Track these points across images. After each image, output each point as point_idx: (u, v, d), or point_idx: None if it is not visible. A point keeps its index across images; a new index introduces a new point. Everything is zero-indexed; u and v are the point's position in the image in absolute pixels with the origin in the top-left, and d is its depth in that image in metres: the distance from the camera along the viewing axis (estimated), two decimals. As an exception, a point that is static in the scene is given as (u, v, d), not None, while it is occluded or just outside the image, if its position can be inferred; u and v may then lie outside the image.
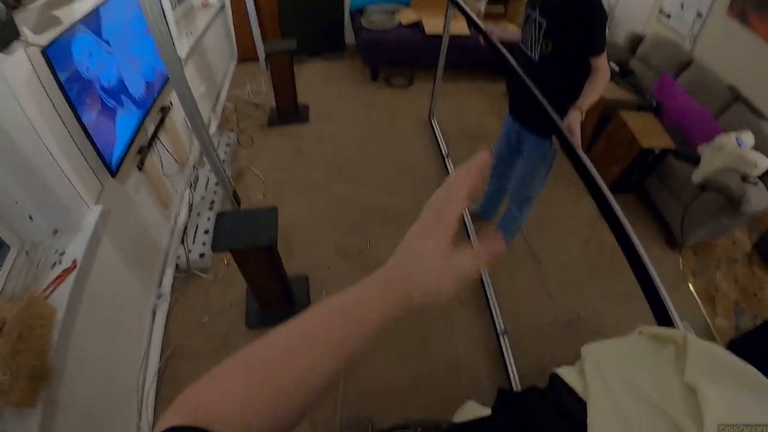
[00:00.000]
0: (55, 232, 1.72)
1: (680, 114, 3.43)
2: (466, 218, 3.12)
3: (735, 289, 3.15)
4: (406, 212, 3.17)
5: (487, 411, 0.67)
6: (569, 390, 0.53)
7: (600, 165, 3.43)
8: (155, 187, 2.56)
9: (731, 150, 2.89)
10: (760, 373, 0.45)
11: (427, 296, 0.50)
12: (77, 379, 1.56)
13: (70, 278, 1.56)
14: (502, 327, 2.53)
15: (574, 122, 1.87)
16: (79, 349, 1.61)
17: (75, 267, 1.60)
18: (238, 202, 2.80)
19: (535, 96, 1.85)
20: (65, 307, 1.48)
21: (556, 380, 0.57)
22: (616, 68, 3.93)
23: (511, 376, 2.35)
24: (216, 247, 1.98)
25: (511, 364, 2.40)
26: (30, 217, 1.64)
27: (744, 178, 2.81)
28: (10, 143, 1.43)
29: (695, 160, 3.07)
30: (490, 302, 2.64)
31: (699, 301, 2.98)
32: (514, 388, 2.30)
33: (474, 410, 0.77)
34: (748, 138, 2.92)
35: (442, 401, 2.25)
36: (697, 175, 2.98)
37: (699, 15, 3.68)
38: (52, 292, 1.51)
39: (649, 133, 3.15)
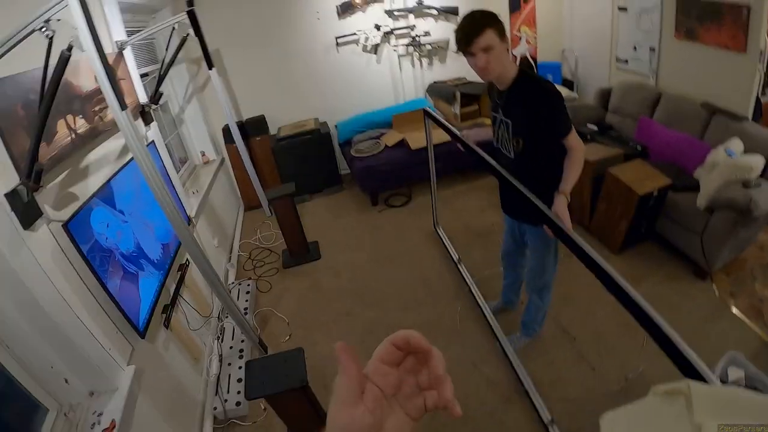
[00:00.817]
0: (92, 393, 1.75)
1: (667, 149, 3.51)
2: (488, 316, 3.08)
3: None
4: (430, 325, 3.18)
5: None
6: None
7: (607, 226, 3.52)
8: (183, 343, 2.59)
9: (724, 163, 2.91)
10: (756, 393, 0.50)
11: None
12: None
13: None
14: (549, 417, 2.42)
15: (560, 208, 1.92)
16: None
17: (114, 427, 1.60)
18: (265, 349, 2.83)
19: (520, 191, 1.95)
20: None
21: None
22: (595, 128, 4.09)
23: None
24: (249, 395, 2.01)
25: None
26: (66, 381, 1.67)
27: (746, 185, 2.81)
28: (41, 312, 1.50)
29: (695, 187, 3.08)
30: (529, 393, 2.55)
31: (746, 320, 2.86)
32: None
33: None
34: (736, 145, 2.96)
35: None
36: (701, 200, 2.98)
37: (652, 50, 3.91)
38: None
39: (642, 178, 3.19)
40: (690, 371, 1.16)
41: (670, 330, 1.22)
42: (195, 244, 2.22)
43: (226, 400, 2.61)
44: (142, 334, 2.03)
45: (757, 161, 2.84)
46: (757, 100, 3.26)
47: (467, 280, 3.45)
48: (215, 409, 2.60)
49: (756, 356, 2.63)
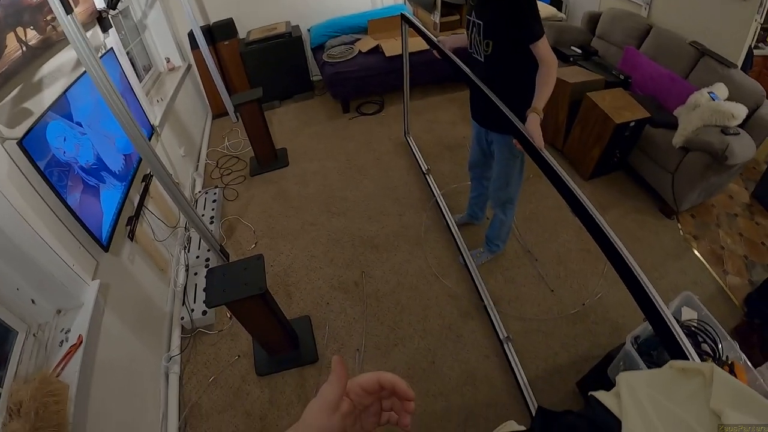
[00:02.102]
0: (59, 311, 1.79)
1: (650, 82, 3.47)
2: (453, 229, 3.16)
3: (741, 244, 3.17)
4: (395, 235, 3.26)
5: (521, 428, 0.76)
6: (606, 410, 0.61)
7: (579, 151, 3.55)
8: (150, 254, 2.63)
9: (706, 105, 2.91)
10: None
11: None
12: (99, 448, 1.61)
13: (78, 354, 1.63)
14: (505, 334, 2.55)
15: (533, 127, 1.87)
16: (97, 420, 1.66)
17: (81, 342, 1.66)
18: (227, 257, 2.86)
19: (490, 98, 1.94)
20: (77, 382, 1.54)
21: (593, 401, 0.64)
22: (579, 51, 4.01)
23: (521, 381, 2.37)
24: (210, 303, 2.04)
25: (519, 370, 2.42)
26: (33, 301, 1.70)
27: (724, 131, 2.81)
28: (1, 234, 1.51)
29: (673, 125, 3.09)
30: (488, 309, 2.67)
31: (706, 264, 2.98)
32: (526, 395, 2.33)
33: (511, 427, 0.85)
34: (720, 90, 2.95)
35: (463, 419, 2.28)
36: (678, 139, 2.99)
37: None
38: (62, 369, 1.57)
39: (620, 107, 3.17)
40: (647, 304, 1.22)
41: (632, 261, 1.27)
42: (155, 156, 2.20)
43: (192, 310, 2.70)
44: (105, 248, 2.06)
45: (739, 110, 2.83)
46: (750, 50, 3.19)
47: (434, 192, 3.51)
48: (182, 318, 2.69)
49: (711, 300, 2.76)
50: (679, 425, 0.53)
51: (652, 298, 1.21)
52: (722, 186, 3.27)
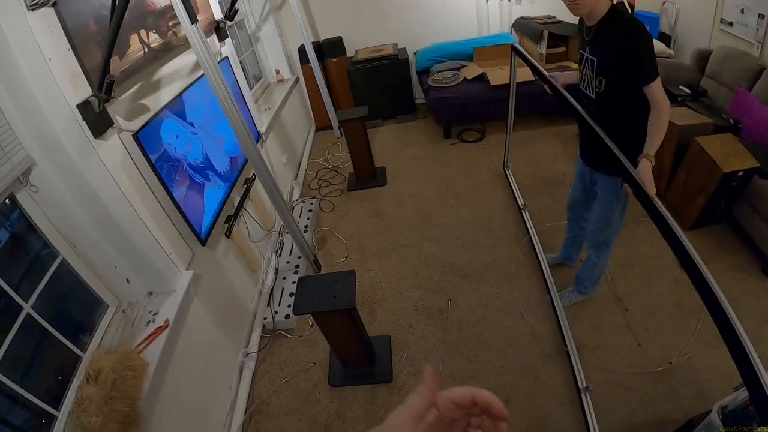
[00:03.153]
0: (150, 293, 1.92)
1: (761, 129, 3.16)
2: (544, 268, 3.04)
3: None
4: (485, 267, 3.17)
5: None
6: None
7: (683, 199, 3.30)
8: (243, 253, 2.77)
9: None
10: None
11: None
12: (165, 427, 1.69)
13: (163, 336, 1.73)
14: (584, 384, 2.41)
15: (644, 172, 1.78)
16: (169, 400, 1.76)
17: (167, 326, 1.77)
18: (319, 267, 2.93)
19: (600, 137, 1.87)
20: (157, 361, 1.63)
21: None
22: (687, 91, 3.73)
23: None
24: (297, 310, 2.10)
25: (593, 424, 2.28)
26: (127, 280, 1.85)
27: None
28: (108, 216, 1.65)
29: None
30: (570, 354, 2.54)
31: None
32: None
33: None
34: None
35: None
36: None
37: (761, 16, 3.44)
38: (145, 347, 1.67)
39: (729, 155, 2.90)
40: (746, 368, 1.12)
41: (736, 320, 1.18)
42: (261, 160, 2.30)
43: (276, 312, 2.80)
44: (203, 242, 2.18)
45: None
46: None
47: (529, 228, 3.39)
48: (265, 319, 2.79)
49: None
50: None
51: (753, 362, 1.10)
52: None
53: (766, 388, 1.06)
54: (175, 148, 2.08)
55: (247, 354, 2.57)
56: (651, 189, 1.70)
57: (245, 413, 2.34)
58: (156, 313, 1.83)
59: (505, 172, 4.03)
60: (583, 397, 2.37)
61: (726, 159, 2.89)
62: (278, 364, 2.64)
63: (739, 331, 1.15)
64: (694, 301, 2.73)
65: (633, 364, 2.53)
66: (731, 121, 3.30)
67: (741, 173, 2.87)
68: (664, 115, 1.85)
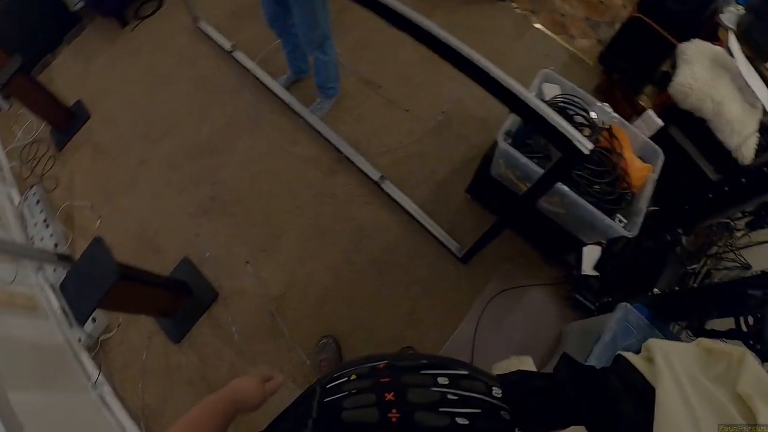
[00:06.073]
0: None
1: None
2: (280, 94, 2.97)
3: (579, 7, 3.18)
4: (228, 127, 3.04)
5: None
6: (635, 371, 0.63)
7: None
8: (10, 304, 2.39)
9: None
10: None
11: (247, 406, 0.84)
12: None
13: None
14: (378, 174, 2.50)
15: None
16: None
17: None
18: (70, 260, 2.61)
19: None
20: None
21: (622, 360, 0.67)
22: None
23: (413, 212, 2.41)
24: (80, 317, 1.88)
25: (406, 203, 2.44)
26: None
27: None
28: None
29: None
30: (349, 157, 2.63)
31: (551, 33, 3.00)
32: (423, 222, 2.33)
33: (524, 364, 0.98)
34: None
35: (376, 274, 2.35)
36: None
37: None
38: None
39: None
40: (507, 96, 1.17)
41: (475, 56, 1.18)
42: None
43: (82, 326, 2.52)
44: None
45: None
46: None
47: (246, 66, 3.23)
48: (80, 340, 2.53)
49: (566, 68, 2.77)
50: (713, 402, 0.54)
51: (509, 88, 1.15)
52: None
53: (533, 108, 1.16)
54: None
55: (95, 383, 2.38)
56: None
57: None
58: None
59: (198, 26, 3.64)
60: (383, 186, 2.48)
61: None
62: (124, 365, 2.51)
63: (480, 64, 1.17)
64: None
65: (411, 132, 2.65)
66: None
67: None
68: None
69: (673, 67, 2.23)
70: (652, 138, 2.08)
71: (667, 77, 2.23)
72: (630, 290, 2.13)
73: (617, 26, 2.77)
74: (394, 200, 2.47)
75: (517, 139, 1.98)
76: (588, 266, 2.22)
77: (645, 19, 2.47)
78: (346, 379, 0.66)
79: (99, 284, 1.87)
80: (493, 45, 2.92)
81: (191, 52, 3.59)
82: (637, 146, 2.04)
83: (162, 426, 2.30)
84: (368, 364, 0.68)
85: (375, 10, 1.34)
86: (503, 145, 1.89)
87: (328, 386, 0.66)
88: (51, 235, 2.95)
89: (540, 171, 1.82)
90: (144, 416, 2.33)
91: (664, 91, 2.24)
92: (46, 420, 1.87)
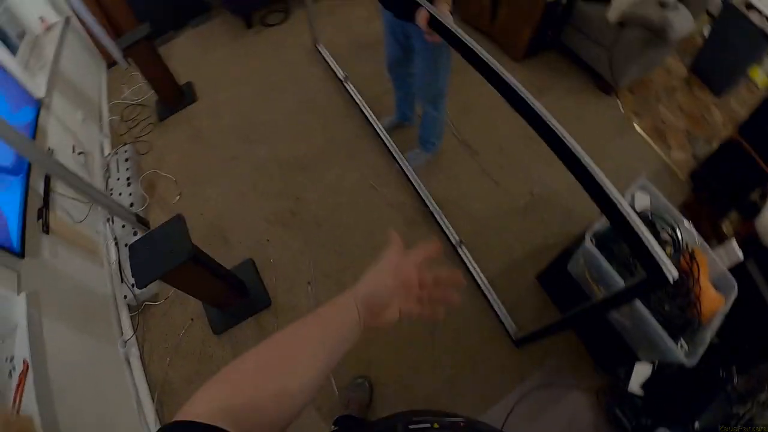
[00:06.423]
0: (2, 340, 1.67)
1: None
2: (381, 134, 3.07)
3: (682, 118, 3.19)
4: (323, 152, 3.12)
5: None
6: None
7: (509, 32, 3.40)
8: (72, 242, 2.46)
9: None
10: None
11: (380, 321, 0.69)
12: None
13: (29, 380, 1.55)
14: (456, 238, 2.54)
15: (442, 7, 1.74)
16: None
17: (27, 368, 1.57)
18: (147, 224, 2.72)
19: None
20: (38, 410, 1.49)
21: None
22: None
23: (481, 284, 2.42)
24: (140, 283, 1.90)
25: (477, 272, 2.46)
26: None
27: (662, 4, 2.70)
28: None
29: None
30: (434, 213, 2.65)
31: (649, 140, 3.02)
32: (488, 295, 2.40)
33: None
34: None
35: (429, 331, 2.38)
36: (613, 14, 2.87)
37: None
38: (20, 402, 1.49)
39: None
40: (601, 197, 1.18)
41: (582, 152, 1.20)
42: (35, 150, 1.99)
43: (133, 285, 2.57)
44: (21, 254, 1.90)
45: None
46: None
47: (356, 98, 3.36)
48: (125, 297, 2.58)
49: (656, 177, 2.79)
50: None
51: (608, 193, 1.16)
52: (659, 60, 3.22)
53: (625, 215, 1.15)
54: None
55: (126, 342, 2.42)
56: (448, 18, 1.67)
57: (153, 402, 2.27)
58: (12, 359, 1.60)
59: (316, 47, 3.85)
60: (459, 250, 2.54)
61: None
62: (160, 336, 2.53)
63: (581, 157, 1.20)
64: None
65: (497, 205, 2.71)
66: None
67: (563, 0, 2.97)
68: None
69: (763, 198, 2.22)
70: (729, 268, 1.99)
71: (755, 208, 2.19)
72: (671, 418, 2.08)
73: (714, 145, 2.74)
74: (465, 266, 2.52)
75: (601, 241, 1.97)
76: (636, 384, 2.19)
77: (744, 143, 2.44)
78: (429, 425, 0.65)
79: (169, 258, 1.92)
80: (591, 138, 2.93)
81: (304, 71, 3.78)
82: (714, 274, 1.95)
83: (176, 405, 2.27)
84: (448, 419, 0.68)
85: (491, 82, 1.45)
86: (589, 246, 1.90)
87: (411, 427, 0.66)
88: (130, 194, 3.07)
89: (621, 283, 1.81)
90: (161, 389, 2.34)
91: (750, 220, 2.17)
92: (68, 357, 1.91)
